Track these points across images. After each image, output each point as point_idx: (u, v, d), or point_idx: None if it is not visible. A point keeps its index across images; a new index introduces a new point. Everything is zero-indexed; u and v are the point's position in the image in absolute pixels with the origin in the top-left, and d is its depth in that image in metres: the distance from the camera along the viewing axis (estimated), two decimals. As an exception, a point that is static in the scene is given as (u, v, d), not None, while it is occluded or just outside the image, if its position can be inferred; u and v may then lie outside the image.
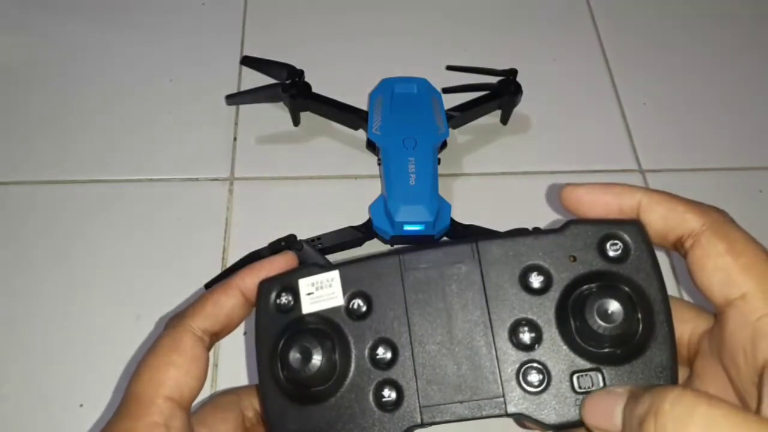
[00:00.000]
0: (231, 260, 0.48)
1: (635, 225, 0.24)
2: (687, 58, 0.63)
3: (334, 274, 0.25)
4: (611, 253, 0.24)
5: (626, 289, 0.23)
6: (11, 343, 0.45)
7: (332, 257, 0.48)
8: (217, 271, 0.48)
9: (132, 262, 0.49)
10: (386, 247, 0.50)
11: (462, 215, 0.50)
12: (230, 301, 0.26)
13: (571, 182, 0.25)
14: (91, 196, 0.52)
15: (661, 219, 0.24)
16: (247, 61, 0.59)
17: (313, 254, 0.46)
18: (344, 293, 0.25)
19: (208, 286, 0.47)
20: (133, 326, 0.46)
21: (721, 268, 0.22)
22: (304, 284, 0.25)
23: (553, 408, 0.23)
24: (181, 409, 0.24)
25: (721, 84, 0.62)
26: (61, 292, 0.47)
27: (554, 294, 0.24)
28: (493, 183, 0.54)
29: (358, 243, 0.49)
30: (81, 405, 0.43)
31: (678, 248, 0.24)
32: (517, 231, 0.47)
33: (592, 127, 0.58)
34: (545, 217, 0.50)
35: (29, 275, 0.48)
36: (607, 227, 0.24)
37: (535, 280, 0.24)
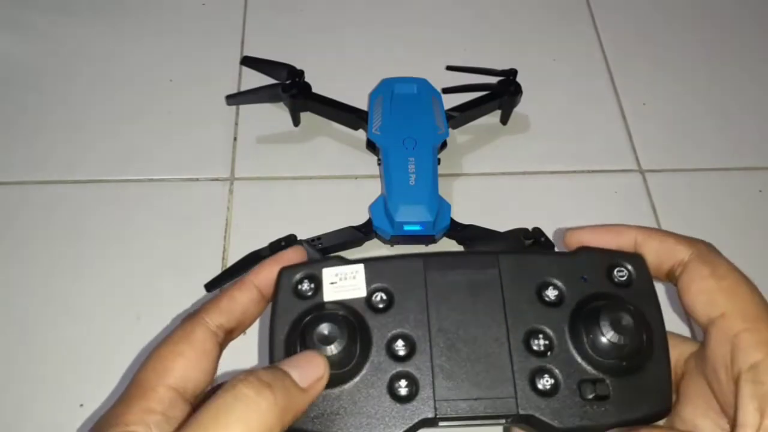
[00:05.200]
0: (231, 260, 0.48)
1: (638, 257, 0.26)
2: (687, 58, 0.63)
3: (359, 267, 0.26)
4: (617, 279, 0.26)
5: (632, 307, 0.25)
6: (11, 343, 0.45)
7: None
8: (218, 272, 0.48)
9: (132, 262, 0.49)
10: (387, 247, 0.50)
11: (462, 215, 0.50)
12: (245, 296, 0.26)
13: (571, 227, 0.28)
14: (90, 196, 0.52)
15: (655, 252, 0.26)
16: (247, 61, 0.59)
17: (313, 254, 0.46)
18: (367, 286, 0.26)
19: (208, 286, 0.47)
20: (133, 326, 0.46)
21: (704, 291, 0.24)
22: (328, 274, 0.26)
23: (561, 412, 0.24)
24: (183, 400, 0.24)
25: (720, 84, 0.62)
26: (61, 292, 0.47)
27: (567, 307, 0.26)
28: (493, 183, 0.54)
29: (358, 243, 0.49)
30: (81, 405, 0.43)
31: (670, 278, 0.26)
32: (516, 231, 0.48)
33: (592, 127, 0.58)
34: (544, 217, 0.50)
35: (29, 275, 0.48)
36: (615, 257, 0.26)
37: (551, 294, 0.26)
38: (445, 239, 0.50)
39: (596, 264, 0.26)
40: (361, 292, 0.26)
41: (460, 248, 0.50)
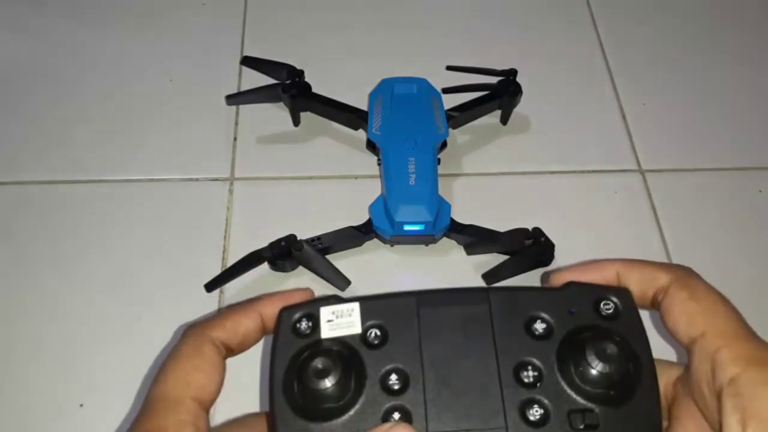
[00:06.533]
0: (231, 260, 0.48)
1: (624, 291, 0.27)
2: (687, 59, 0.63)
3: (355, 306, 0.27)
4: (604, 312, 0.27)
5: (619, 338, 0.26)
6: (11, 343, 0.45)
7: (332, 257, 0.48)
8: (218, 271, 0.48)
9: (132, 262, 0.49)
10: (386, 247, 0.50)
11: (462, 215, 0.50)
12: (249, 322, 0.28)
13: (555, 269, 0.29)
14: (91, 196, 0.52)
15: (637, 282, 0.27)
16: (247, 61, 0.59)
17: (313, 255, 0.46)
18: (362, 323, 0.27)
19: (208, 286, 0.47)
20: (133, 327, 0.46)
21: (684, 313, 0.26)
22: (325, 312, 0.27)
23: None
24: (204, 410, 0.25)
25: (721, 84, 0.62)
26: (62, 293, 0.47)
27: (555, 340, 0.26)
28: (493, 183, 0.54)
29: (358, 243, 0.50)
30: (81, 405, 0.43)
31: (655, 305, 0.27)
32: (516, 231, 0.48)
33: (592, 127, 0.58)
34: (544, 217, 0.50)
35: (29, 275, 0.48)
36: (602, 291, 0.27)
37: (539, 327, 0.26)
38: (445, 239, 0.50)
39: (583, 298, 0.27)
40: (357, 329, 0.27)
41: (459, 249, 0.50)
